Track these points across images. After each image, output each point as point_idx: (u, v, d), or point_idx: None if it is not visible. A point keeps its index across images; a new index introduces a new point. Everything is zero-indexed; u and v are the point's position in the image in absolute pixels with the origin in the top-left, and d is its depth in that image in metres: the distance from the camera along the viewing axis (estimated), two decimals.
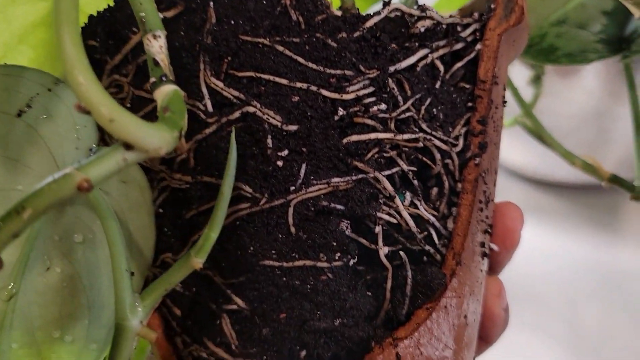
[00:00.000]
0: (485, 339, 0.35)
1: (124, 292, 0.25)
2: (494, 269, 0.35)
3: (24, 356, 0.26)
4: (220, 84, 0.26)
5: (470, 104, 0.30)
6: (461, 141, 0.30)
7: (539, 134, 0.43)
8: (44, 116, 0.28)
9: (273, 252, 0.27)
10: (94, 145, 0.28)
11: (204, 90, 0.27)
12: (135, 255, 0.29)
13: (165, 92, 0.21)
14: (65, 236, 0.27)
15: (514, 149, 0.64)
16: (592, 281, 0.58)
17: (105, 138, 0.31)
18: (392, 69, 0.27)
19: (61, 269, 0.27)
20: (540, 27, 0.45)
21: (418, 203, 0.29)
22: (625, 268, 0.58)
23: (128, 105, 0.28)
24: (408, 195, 0.29)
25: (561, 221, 0.65)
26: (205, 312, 0.29)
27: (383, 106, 0.27)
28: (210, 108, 0.27)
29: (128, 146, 0.18)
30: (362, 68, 0.27)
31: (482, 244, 0.31)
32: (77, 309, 0.27)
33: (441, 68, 0.29)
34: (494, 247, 0.33)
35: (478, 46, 0.30)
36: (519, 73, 0.57)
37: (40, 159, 0.27)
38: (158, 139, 0.19)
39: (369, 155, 0.27)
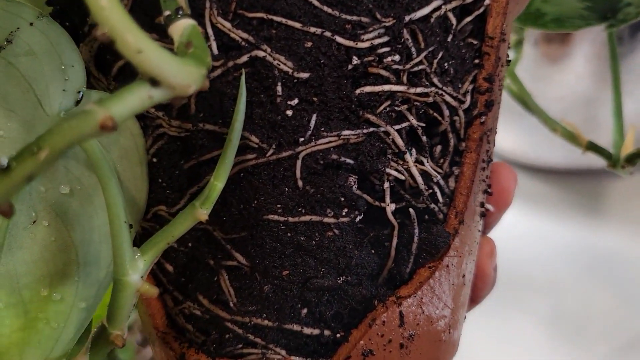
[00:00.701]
0: (474, 298, 0.35)
1: (123, 246, 0.23)
2: (483, 229, 0.35)
3: (9, 317, 0.24)
4: (228, 25, 0.25)
5: (477, 61, 0.30)
6: (468, 98, 0.29)
7: (523, 98, 0.43)
8: (26, 53, 0.25)
9: (278, 206, 0.26)
10: (84, 88, 0.26)
11: (210, 30, 0.25)
12: (127, 207, 0.27)
13: (183, 27, 0.19)
14: (52, 187, 0.25)
15: (503, 133, 0.64)
16: (577, 264, 0.59)
17: (91, 81, 0.28)
18: (407, 18, 0.26)
19: (48, 222, 0.25)
20: None
21: (425, 160, 0.28)
22: (609, 251, 0.59)
23: None
24: (414, 151, 0.28)
25: (547, 205, 0.66)
26: (202, 269, 0.28)
27: (397, 57, 0.26)
28: (215, 50, 0.25)
29: (154, 82, 0.16)
30: (378, 15, 0.25)
31: (482, 204, 0.31)
32: (66, 265, 0.25)
33: (454, 21, 0.28)
34: (490, 207, 0.33)
35: (487, 1, 0.30)
36: None
37: (24, 101, 0.25)
38: (187, 75, 0.17)
39: (381, 108, 0.26)
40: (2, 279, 0.24)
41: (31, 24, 0.25)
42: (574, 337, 0.52)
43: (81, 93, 0.26)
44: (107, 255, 0.26)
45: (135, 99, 0.16)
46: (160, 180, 0.27)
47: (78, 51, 0.26)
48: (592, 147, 0.43)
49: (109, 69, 0.27)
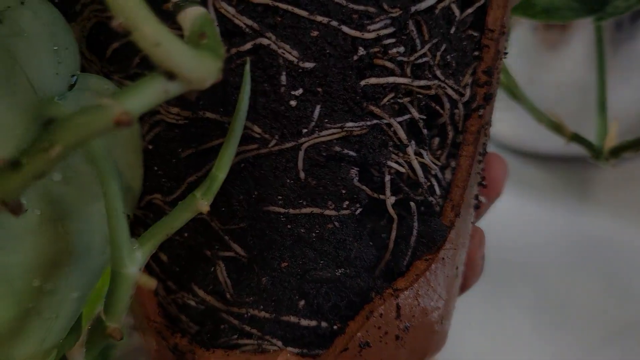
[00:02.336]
0: (462, 287, 0.35)
1: (121, 237, 0.22)
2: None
3: (1, 308, 0.23)
4: (232, 10, 0.24)
5: (476, 53, 0.29)
6: (468, 91, 0.29)
7: (510, 88, 0.43)
8: (17, 34, 0.24)
9: (279, 198, 0.25)
10: (78, 72, 0.25)
11: (213, 15, 0.24)
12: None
13: (194, 15, 0.19)
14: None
15: (499, 119, 0.63)
16: (566, 250, 0.59)
17: (82, 63, 0.27)
18: (413, 9, 0.26)
19: (41, 211, 0.24)
20: None
21: (424, 153, 0.28)
22: (599, 238, 0.59)
23: None
24: (414, 144, 0.28)
25: (538, 191, 0.66)
26: (198, 259, 0.27)
27: (402, 49, 0.26)
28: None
29: (171, 76, 0.16)
30: (385, 6, 0.25)
31: (476, 197, 0.31)
32: (59, 255, 0.24)
33: (457, 13, 0.28)
34: (482, 199, 0.33)
35: None
36: None
37: (15, 85, 0.23)
38: (205, 69, 0.16)
39: (385, 100, 0.26)
40: None
41: (22, 3, 0.24)
42: (562, 324, 0.53)
43: (75, 77, 0.25)
44: (100, 244, 0.25)
45: (151, 93, 0.16)
46: (155, 168, 0.26)
47: (72, 32, 0.25)
48: (576, 138, 0.44)
49: (102, 50, 0.26)
